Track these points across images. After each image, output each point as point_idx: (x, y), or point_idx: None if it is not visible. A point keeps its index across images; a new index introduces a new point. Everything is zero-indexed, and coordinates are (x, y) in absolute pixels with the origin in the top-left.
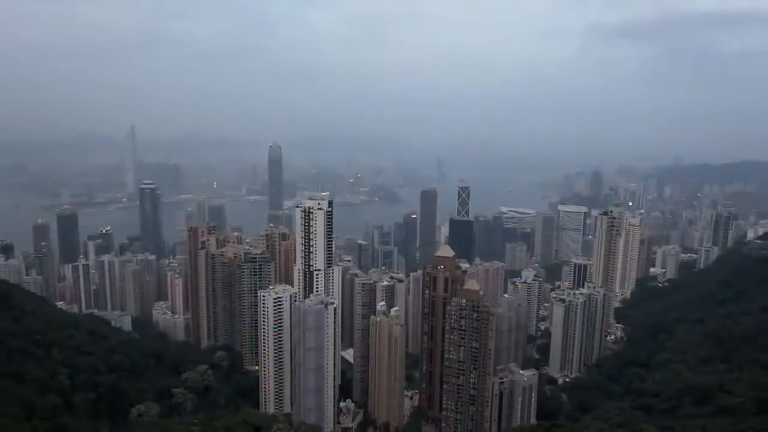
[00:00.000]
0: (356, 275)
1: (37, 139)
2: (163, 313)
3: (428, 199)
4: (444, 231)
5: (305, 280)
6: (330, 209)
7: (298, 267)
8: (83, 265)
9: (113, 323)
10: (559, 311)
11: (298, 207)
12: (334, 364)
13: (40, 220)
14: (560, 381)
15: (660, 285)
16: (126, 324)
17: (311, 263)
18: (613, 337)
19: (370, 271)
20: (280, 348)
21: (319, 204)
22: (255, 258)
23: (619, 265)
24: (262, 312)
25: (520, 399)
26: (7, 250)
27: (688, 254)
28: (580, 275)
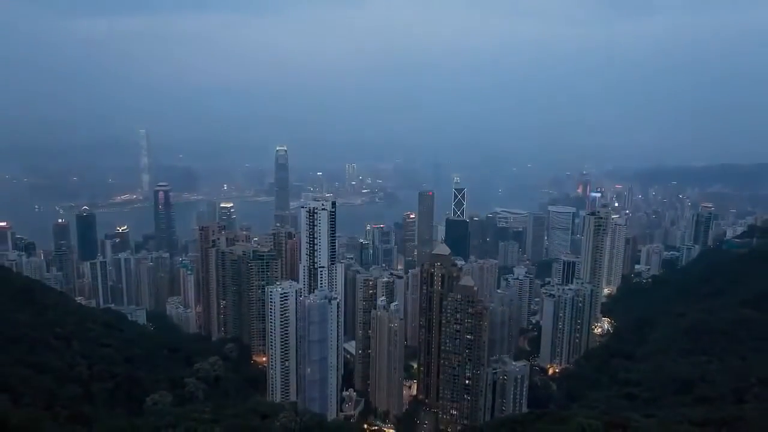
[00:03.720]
0: (358, 272)
1: (57, 142)
2: (176, 308)
3: (425, 200)
4: (440, 230)
5: (310, 276)
6: (333, 210)
7: (303, 264)
8: (101, 262)
9: (129, 317)
10: (549, 305)
11: (303, 207)
12: (337, 356)
13: (60, 220)
14: (550, 371)
15: (644, 281)
16: (141, 318)
17: (315, 261)
18: (599, 330)
19: (371, 268)
20: (286, 340)
21: (322, 205)
22: (262, 255)
23: (606, 262)
24: (270, 306)
25: (512, 388)
26: (29, 248)
27: (671, 252)
28: (569, 272)
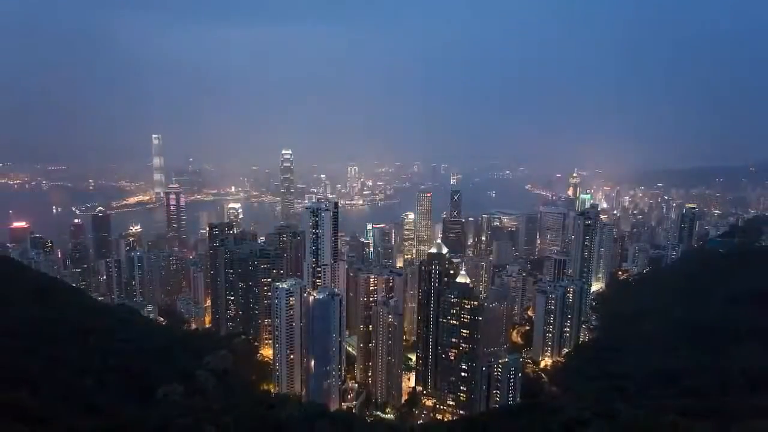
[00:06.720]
0: (359, 269)
1: (74, 145)
2: (187, 303)
3: (423, 201)
4: (438, 230)
5: (314, 273)
6: (336, 210)
7: (307, 262)
8: (115, 260)
9: (142, 312)
10: (540, 301)
11: (307, 208)
12: (340, 350)
13: (76, 221)
14: (542, 364)
15: (631, 278)
16: (153, 313)
17: (319, 258)
18: (589, 324)
19: (371, 266)
20: (291, 335)
21: (326, 206)
22: (269, 254)
23: (595, 261)
24: (275, 302)
25: (506, 380)
26: (47, 247)
27: (657, 250)
28: (560, 269)
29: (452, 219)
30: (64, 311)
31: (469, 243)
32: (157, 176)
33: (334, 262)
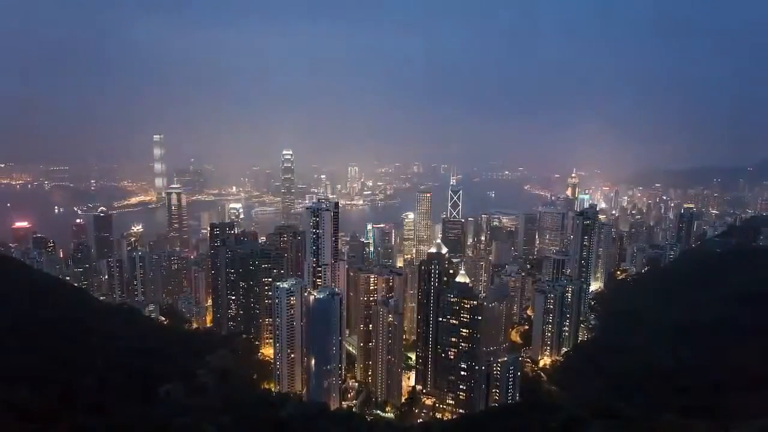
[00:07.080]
0: (359, 269)
1: (76, 146)
2: (188, 303)
3: (423, 201)
4: (438, 230)
5: (314, 273)
6: (336, 210)
7: (307, 261)
8: (117, 260)
9: (143, 312)
10: (539, 301)
11: (308, 208)
12: (340, 349)
13: (78, 221)
14: (541, 363)
15: (630, 278)
16: (155, 312)
17: (319, 258)
18: (587, 324)
19: (371, 266)
20: (292, 334)
21: (326, 206)
22: (269, 253)
23: (593, 260)
24: (276, 302)
25: (505, 379)
26: (49, 247)
27: (655, 250)
28: (559, 269)
29: (452, 219)
30: (66, 311)
31: (468, 243)
32: (158, 177)
33: (335, 261)
